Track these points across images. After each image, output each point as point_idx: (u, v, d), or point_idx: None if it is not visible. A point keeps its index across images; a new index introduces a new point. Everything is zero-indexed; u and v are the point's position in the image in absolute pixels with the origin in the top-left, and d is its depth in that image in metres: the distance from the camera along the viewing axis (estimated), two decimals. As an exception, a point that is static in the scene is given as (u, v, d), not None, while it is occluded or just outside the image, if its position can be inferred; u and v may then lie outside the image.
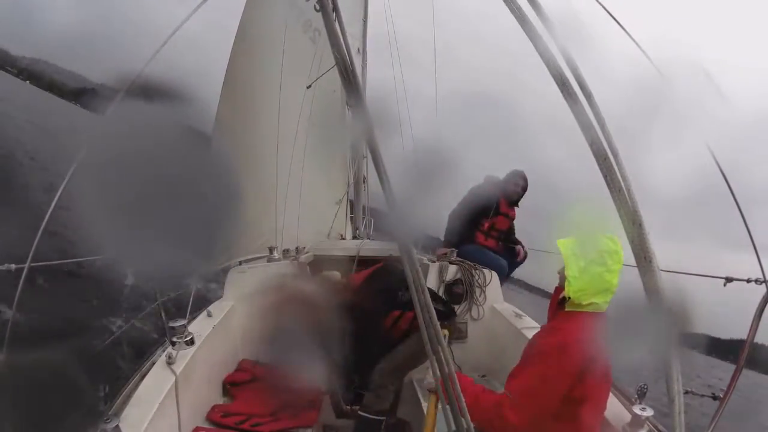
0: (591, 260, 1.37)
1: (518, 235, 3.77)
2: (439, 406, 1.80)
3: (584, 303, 1.41)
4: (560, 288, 1.50)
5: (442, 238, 3.44)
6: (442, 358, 0.81)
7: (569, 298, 1.43)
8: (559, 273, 1.53)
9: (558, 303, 1.52)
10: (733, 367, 1.52)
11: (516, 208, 3.74)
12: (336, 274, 2.53)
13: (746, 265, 1.44)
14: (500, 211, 3.61)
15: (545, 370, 1.40)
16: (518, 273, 3.88)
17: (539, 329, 1.74)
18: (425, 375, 1.73)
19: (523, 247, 3.72)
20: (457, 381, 0.82)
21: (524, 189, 3.66)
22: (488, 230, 3.61)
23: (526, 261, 3.73)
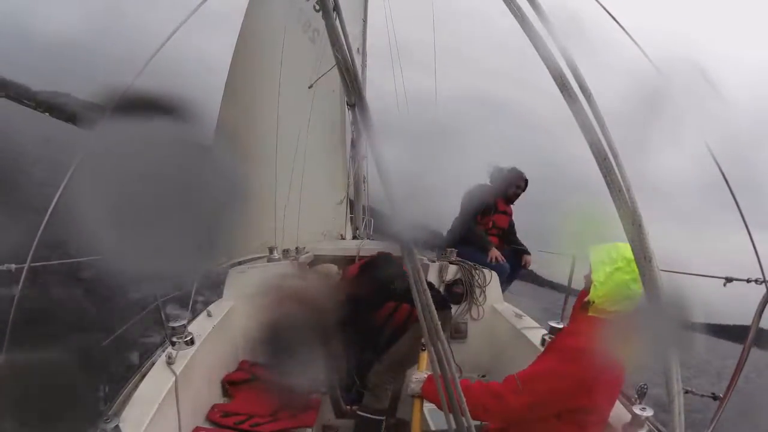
0: (618, 267, 1.38)
1: (523, 233, 3.79)
2: (431, 406, 1.81)
3: (608, 309, 1.40)
4: (585, 292, 1.50)
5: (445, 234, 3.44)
6: (444, 358, 0.81)
7: (593, 302, 1.43)
8: (585, 277, 1.54)
9: (581, 306, 1.51)
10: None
11: (512, 205, 3.75)
12: (332, 267, 2.50)
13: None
14: (498, 210, 3.62)
15: (557, 365, 1.41)
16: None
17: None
18: (408, 381, 1.73)
19: (528, 252, 3.73)
20: (458, 381, 0.82)
21: (523, 190, 3.67)
22: (489, 229, 3.62)
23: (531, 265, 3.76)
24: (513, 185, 3.61)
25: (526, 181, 3.66)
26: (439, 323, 0.80)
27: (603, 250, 1.45)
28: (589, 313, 1.46)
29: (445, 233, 3.42)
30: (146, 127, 0.45)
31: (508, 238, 3.77)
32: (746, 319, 1.51)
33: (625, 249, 1.37)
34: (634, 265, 1.33)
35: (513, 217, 3.80)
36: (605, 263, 1.42)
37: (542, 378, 1.41)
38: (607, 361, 1.27)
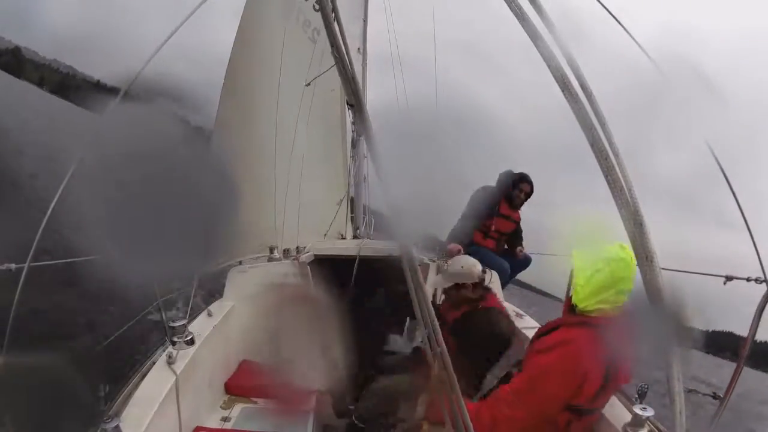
0: (598, 269, 1.39)
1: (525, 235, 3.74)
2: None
3: (591, 309, 1.41)
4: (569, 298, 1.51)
5: (446, 238, 3.38)
6: (441, 359, 0.81)
7: (576, 306, 1.45)
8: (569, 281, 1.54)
9: (568, 309, 1.53)
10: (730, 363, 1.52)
11: (519, 211, 3.67)
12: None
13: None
14: (500, 213, 3.56)
15: (549, 367, 1.41)
16: (525, 277, 3.84)
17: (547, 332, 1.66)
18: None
19: (523, 250, 3.69)
20: (457, 384, 0.81)
21: (528, 195, 3.59)
22: (488, 230, 3.57)
23: (530, 266, 3.69)
24: (517, 188, 3.54)
25: (531, 186, 3.56)
26: (437, 322, 0.80)
27: (584, 254, 1.46)
28: (576, 314, 1.47)
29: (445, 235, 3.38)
30: (152, 114, 0.44)
31: (511, 244, 3.72)
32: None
33: (608, 251, 1.37)
34: (613, 265, 1.35)
35: (521, 224, 3.70)
36: (585, 267, 1.43)
37: (536, 382, 1.41)
38: (596, 358, 1.28)
